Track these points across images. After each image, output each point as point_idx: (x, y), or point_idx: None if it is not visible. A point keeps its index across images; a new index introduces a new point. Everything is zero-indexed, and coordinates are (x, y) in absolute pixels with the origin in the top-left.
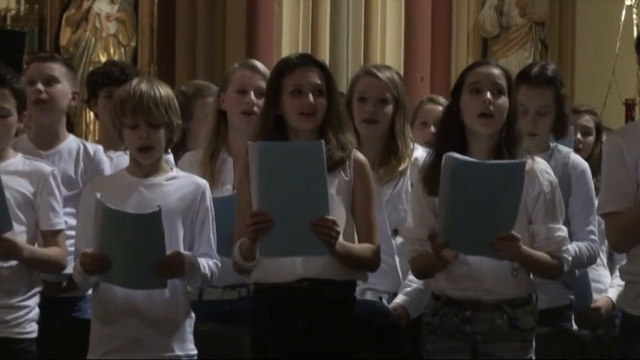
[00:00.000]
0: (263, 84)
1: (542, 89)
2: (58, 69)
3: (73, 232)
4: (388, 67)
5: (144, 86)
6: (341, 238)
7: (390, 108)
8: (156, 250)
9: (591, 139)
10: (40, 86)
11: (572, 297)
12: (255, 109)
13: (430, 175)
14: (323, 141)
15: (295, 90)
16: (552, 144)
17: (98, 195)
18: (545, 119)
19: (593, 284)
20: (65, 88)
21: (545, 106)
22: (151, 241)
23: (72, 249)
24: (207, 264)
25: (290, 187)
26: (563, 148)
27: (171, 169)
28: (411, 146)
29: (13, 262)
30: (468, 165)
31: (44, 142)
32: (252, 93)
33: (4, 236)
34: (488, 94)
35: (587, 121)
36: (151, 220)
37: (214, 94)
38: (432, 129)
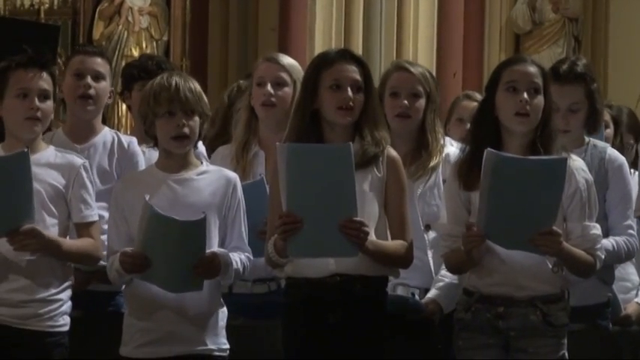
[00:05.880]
0: (282, 74)
1: (572, 86)
2: (104, 65)
3: (106, 227)
4: (419, 64)
5: (176, 78)
6: (373, 236)
7: (422, 102)
8: (196, 255)
9: (609, 131)
10: (90, 81)
11: (609, 294)
12: (273, 99)
13: (465, 171)
14: (351, 143)
15: (334, 85)
16: (587, 139)
17: (147, 197)
18: (577, 116)
19: (620, 283)
20: (108, 86)
21: (577, 102)
22: (193, 246)
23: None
24: (239, 258)
25: (319, 188)
26: (599, 143)
27: (202, 162)
28: (442, 141)
29: (44, 256)
30: (510, 160)
31: (80, 135)
32: (269, 84)
33: (29, 227)
34: (525, 95)
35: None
36: (197, 227)
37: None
38: (469, 125)
